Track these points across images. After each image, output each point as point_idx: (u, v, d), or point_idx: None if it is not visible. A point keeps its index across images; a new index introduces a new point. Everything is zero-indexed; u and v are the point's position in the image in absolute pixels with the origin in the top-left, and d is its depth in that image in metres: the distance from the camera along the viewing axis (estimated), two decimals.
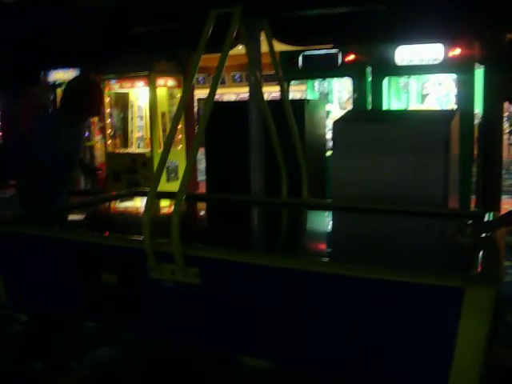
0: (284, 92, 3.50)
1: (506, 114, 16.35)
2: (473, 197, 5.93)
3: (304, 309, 2.26)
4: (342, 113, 5.31)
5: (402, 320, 2.12)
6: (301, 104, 3.89)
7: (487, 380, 3.16)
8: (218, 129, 4.06)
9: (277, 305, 2.30)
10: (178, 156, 7.90)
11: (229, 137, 4.05)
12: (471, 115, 5.72)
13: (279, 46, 6.53)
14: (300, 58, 6.37)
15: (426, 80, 6.68)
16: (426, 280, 2.05)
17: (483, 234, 2.60)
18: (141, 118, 8.21)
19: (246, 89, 3.64)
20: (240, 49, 4.01)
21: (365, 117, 4.20)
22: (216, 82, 2.53)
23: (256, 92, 3.51)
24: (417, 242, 2.81)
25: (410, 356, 2.12)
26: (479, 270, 2.12)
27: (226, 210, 3.58)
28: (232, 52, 4.49)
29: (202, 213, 3.90)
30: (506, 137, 14.68)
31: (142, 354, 3.60)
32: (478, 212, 3.34)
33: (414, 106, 6.55)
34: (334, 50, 6.25)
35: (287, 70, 6.40)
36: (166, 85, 7.87)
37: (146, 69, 7.50)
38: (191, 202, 3.81)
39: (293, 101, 3.65)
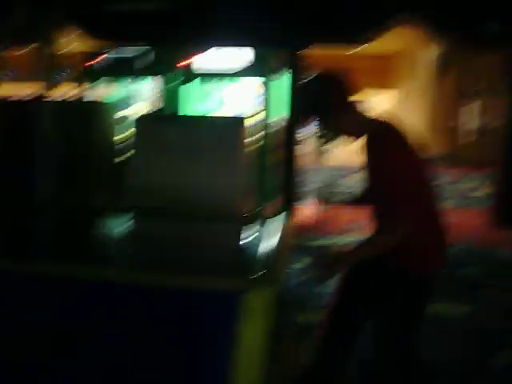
0: (76, 94, 3.38)
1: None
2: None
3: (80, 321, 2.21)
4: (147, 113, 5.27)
5: (183, 326, 2.14)
6: (92, 106, 3.75)
7: (279, 375, 3.29)
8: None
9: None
10: None
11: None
12: (266, 121, 5.89)
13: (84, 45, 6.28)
14: (103, 58, 6.18)
15: (229, 85, 6.83)
16: (205, 285, 2.08)
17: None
18: None
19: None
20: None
21: (160, 121, 4.14)
22: None
23: (46, 92, 3.34)
24: (200, 248, 2.82)
25: (196, 358, 2.13)
26: (257, 274, 2.19)
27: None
28: None
29: None
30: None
31: None
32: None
33: (217, 110, 6.66)
34: (137, 52, 6.14)
35: (89, 71, 6.18)
36: None
37: None
38: None
39: (85, 103, 3.53)
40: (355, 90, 2.82)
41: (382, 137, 2.76)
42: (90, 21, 5.49)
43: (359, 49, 8.05)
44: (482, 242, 7.98)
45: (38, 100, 3.27)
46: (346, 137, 2.91)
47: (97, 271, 2.32)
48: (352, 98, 2.82)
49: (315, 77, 2.86)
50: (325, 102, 2.78)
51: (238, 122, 3.45)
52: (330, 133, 2.86)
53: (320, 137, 2.90)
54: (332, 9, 5.67)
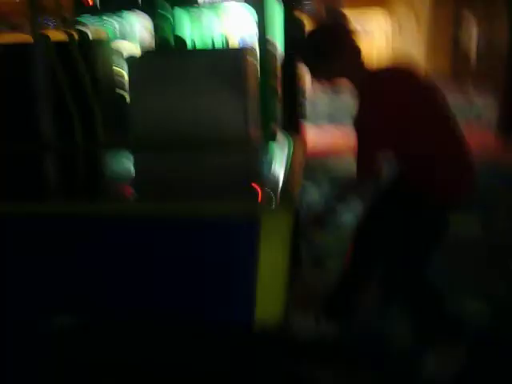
0: (71, 33, 3.31)
1: None
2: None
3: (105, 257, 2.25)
4: (140, 50, 5.15)
5: (207, 255, 2.16)
6: (90, 44, 3.67)
7: (298, 298, 3.37)
8: None
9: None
10: None
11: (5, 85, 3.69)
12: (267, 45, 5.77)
13: None
14: None
15: (225, 10, 6.63)
16: (222, 213, 2.10)
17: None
18: None
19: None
20: None
21: (160, 54, 4.05)
22: None
23: (39, 35, 3.26)
24: (213, 177, 2.79)
25: (221, 287, 2.19)
26: (272, 197, 2.20)
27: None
28: None
29: None
30: None
31: None
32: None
33: (214, 37, 6.49)
34: None
35: (80, 8, 6.00)
36: None
37: None
38: None
39: (81, 42, 3.46)
40: (356, 35, 2.83)
41: (369, 89, 2.77)
42: None
43: None
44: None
45: (38, 40, 3.20)
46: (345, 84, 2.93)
47: (110, 207, 2.34)
48: (354, 45, 2.83)
49: (317, 29, 2.88)
50: (330, 54, 2.79)
51: (240, 51, 3.39)
52: (330, 80, 2.89)
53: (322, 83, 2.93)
54: None
